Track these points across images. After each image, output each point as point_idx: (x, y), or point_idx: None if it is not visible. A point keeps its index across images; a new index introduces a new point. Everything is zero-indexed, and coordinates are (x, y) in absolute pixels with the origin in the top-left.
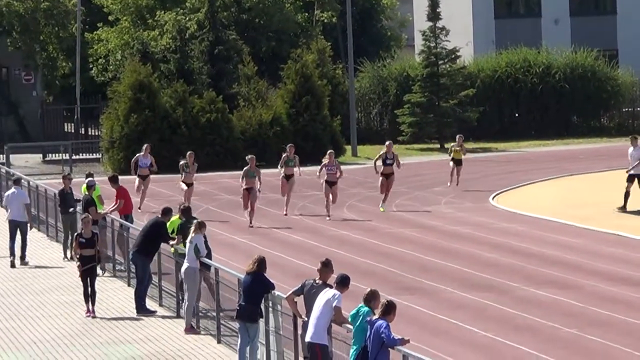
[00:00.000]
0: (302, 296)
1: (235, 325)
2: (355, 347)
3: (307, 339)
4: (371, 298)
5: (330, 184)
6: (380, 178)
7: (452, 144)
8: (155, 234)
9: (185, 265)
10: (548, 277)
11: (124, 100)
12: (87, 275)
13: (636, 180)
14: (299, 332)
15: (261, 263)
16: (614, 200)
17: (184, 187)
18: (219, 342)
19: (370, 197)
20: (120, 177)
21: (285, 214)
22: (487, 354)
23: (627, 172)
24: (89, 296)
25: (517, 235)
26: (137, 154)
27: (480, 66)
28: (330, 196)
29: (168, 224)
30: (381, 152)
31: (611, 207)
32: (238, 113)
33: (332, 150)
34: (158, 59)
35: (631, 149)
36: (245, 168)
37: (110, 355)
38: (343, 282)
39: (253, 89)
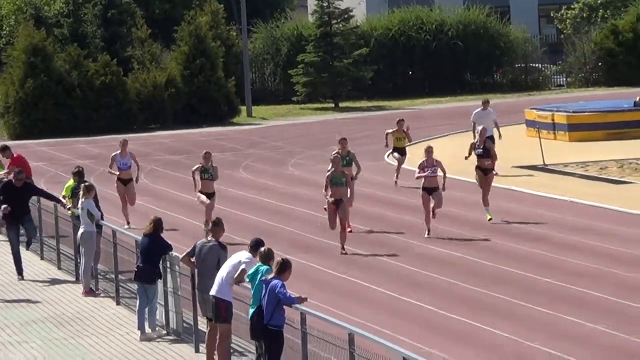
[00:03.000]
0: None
1: (134, 286)
2: (253, 307)
3: (212, 293)
4: (268, 257)
5: (430, 190)
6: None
7: (389, 130)
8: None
9: (81, 229)
10: (445, 234)
11: (18, 64)
12: None
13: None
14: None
15: (157, 224)
16: (506, 156)
17: (204, 199)
18: (117, 303)
19: (266, 158)
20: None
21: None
22: (385, 309)
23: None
24: None
25: (414, 193)
26: (114, 153)
27: (373, 25)
28: (431, 205)
29: (64, 188)
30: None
31: (504, 162)
32: (132, 76)
33: (430, 145)
34: (51, 24)
35: (478, 110)
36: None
37: (10, 318)
38: (256, 246)
39: (147, 52)
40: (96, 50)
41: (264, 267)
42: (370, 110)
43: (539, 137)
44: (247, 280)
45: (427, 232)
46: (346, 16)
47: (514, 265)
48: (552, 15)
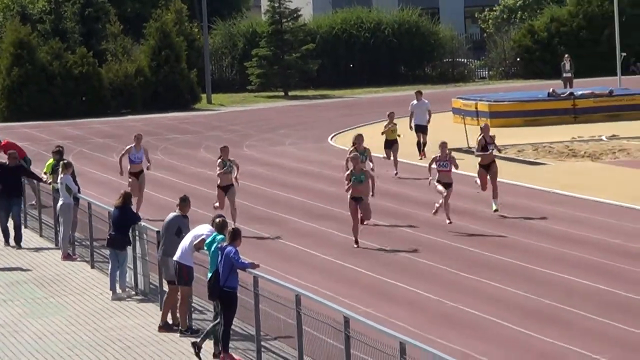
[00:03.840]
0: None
1: (107, 252)
2: (211, 271)
3: (175, 258)
4: (223, 227)
5: (446, 185)
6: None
7: (385, 124)
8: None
9: (60, 201)
10: (380, 208)
11: (6, 56)
12: None
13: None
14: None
15: (126, 198)
16: (436, 139)
17: (221, 193)
18: (92, 267)
19: (224, 139)
20: (4, 124)
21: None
22: (329, 275)
23: (410, 127)
24: None
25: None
26: (128, 146)
27: (319, 24)
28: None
29: (46, 165)
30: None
31: (434, 145)
32: (106, 66)
33: (445, 141)
34: (35, 20)
35: (414, 101)
36: None
37: None
38: (222, 227)
39: (119, 45)
40: (75, 43)
41: (220, 236)
42: (316, 99)
43: (464, 123)
44: (205, 247)
45: (447, 221)
46: (295, 15)
47: (437, 235)
48: (476, 16)
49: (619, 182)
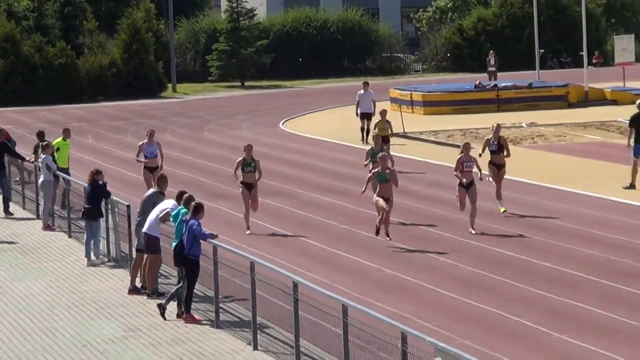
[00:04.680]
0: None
1: (82, 223)
2: (176, 241)
3: (144, 230)
4: (188, 202)
5: (467, 186)
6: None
7: (375, 120)
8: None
9: (41, 178)
10: (325, 186)
11: None
12: None
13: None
14: (132, 228)
15: (96, 175)
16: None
17: (245, 191)
18: (69, 236)
19: (187, 124)
20: None
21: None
22: (283, 245)
23: (356, 113)
24: None
25: (302, 153)
26: (141, 142)
27: (272, 22)
28: (468, 201)
29: (54, 143)
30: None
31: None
32: (83, 58)
33: (468, 142)
34: (20, 17)
35: (361, 91)
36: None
37: None
38: (180, 196)
39: (95, 40)
40: (55, 38)
41: (184, 210)
42: (269, 89)
43: (401, 111)
44: (171, 219)
45: (471, 229)
46: (251, 14)
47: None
48: (411, 16)
49: (537, 164)
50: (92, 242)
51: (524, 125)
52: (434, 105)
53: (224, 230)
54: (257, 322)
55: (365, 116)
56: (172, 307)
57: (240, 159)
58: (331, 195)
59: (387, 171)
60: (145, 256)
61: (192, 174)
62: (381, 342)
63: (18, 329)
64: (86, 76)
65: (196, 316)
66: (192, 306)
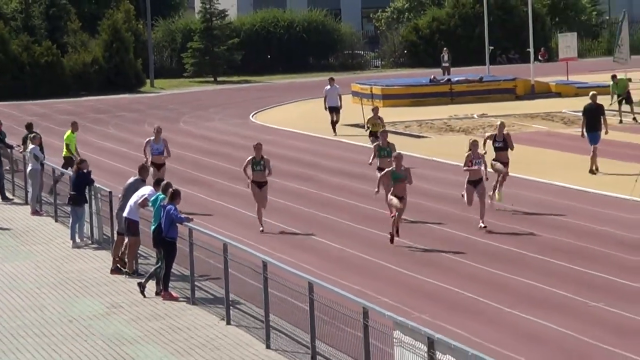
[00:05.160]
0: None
1: (68, 208)
2: (154, 224)
3: (125, 215)
4: (166, 188)
5: (475, 182)
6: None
7: (367, 117)
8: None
9: (29, 167)
10: (293, 172)
11: None
12: None
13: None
14: (114, 213)
15: (81, 163)
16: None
17: (256, 189)
18: (56, 221)
19: (164, 116)
20: None
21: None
22: (250, 228)
23: (325, 107)
24: None
25: (270, 143)
26: (148, 138)
27: (242, 22)
28: (476, 197)
29: (65, 137)
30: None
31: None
32: (67, 56)
33: (476, 140)
34: (9, 18)
35: (328, 87)
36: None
37: None
38: (157, 183)
39: (78, 39)
40: (41, 37)
41: (162, 196)
42: (240, 83)
43: (362, 104)
44: (150, 205)
45: (481, 223)
46: (223, 15)
47: (342, 196)
48: (371, 16)
49: (489, 152)
50: (77, 225)
51: (475, 116)
52: (392, 98)
53: (198, 216)
54: (230, 299)
55: (333, 110)
56: (151, 286)
57: (249, 157)
58: (298, 182)
59: (402, 169)
60: (125, 239)
61: (169, 162)
62: (344, 316)
63: (8, 305)
64: (70, 73)
65: (173, 293)
66: (169, 284)
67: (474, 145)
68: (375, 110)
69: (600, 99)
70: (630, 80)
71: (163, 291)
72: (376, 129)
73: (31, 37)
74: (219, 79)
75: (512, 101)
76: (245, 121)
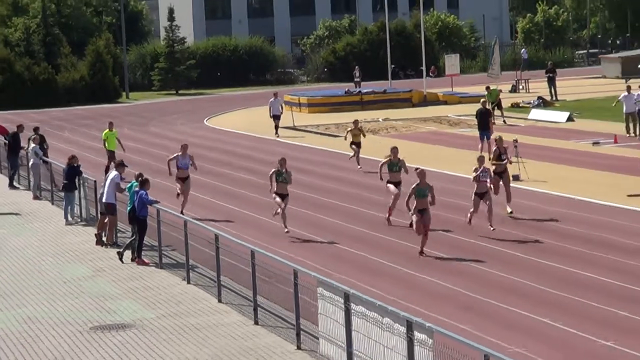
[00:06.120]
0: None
1: (62, 194)
2: (129, 206)
3: (104, 200)
4: (139, 177)
5: (481, 195)
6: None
7: (349, 128)
8: None
9: (31, 161)
10: (243, 165)
11: None
12: None
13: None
14: (97, 197)
15: (71, 159)
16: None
17: (279, 201)
18: (52, 204)
19: (137, 122)
20: None
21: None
22: (207, 208)
23: (270, 116)
24: None
25: (223, 142)
26: (175, 154)
27: (198, 47)
28: (482, 206)
29: (103, 134)
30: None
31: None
32: (60, 75)
33: (482, 155)
34: (14, 44)
35: (272, 99)
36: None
37: None
38: (121, 165)
39: (69, 61)
40: (39, 60)
41: (135, 183)
42: (196, 95)
43: (292, 111)
44: (127, 190)
45: (490, 225)
46: (182, 42)
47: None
48: (298, 42)
49: (388, 147)
50: (69, 208)
51: (380, 120)
52: (315, 106)
53: (165, 199)
54: (190, 264)
55: (276, 118)
56: (128, 254)
57: (273, 170)
58: (245, 172)
59: (426, 185)
60: (106, 217)
61: (142, 158)
62: (279, 276)
63: (15, 270)
64: (62, 87)
65: (145, 260)
66: (142, 253)
67: (480, 160)
68: (355, 122)
69: (479, 105)
70: (501, 90)
71: (137, 258)
72: (357, 140)
73: (31, 60)
74: (180, 91)
75: (409, 108)
76: (200, 125)
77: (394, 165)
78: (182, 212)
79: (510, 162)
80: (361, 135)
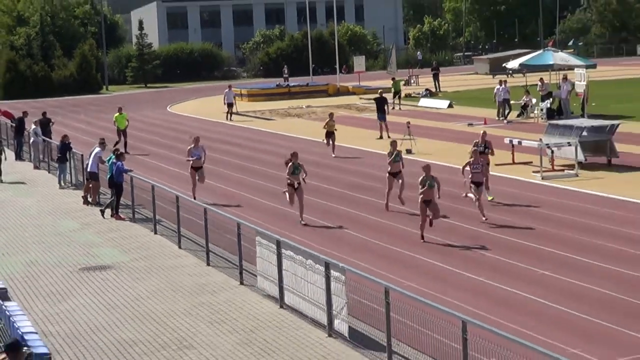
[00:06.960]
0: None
1: (56, 165)
2: (109, 174)
3: (88, 169)
4: (116, 153)
5: (478, 184)
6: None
7: (327, 119)
8: None
9: (31, 139)
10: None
11: (2, 67)
12: None
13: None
14: (84, 167)
15: (64, 138)
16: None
17: (292, 190)
18: (49, 172)
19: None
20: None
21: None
22: (173, 177)
23: (224, 103)
24: None
25: (181, 124)
26: (190, 146)
27: (162, 50)
28: (480, 195)
29: (114, 117)
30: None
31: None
32: (55, 72)
33: (476, 149)
34: (18, 48)
35: (227, 90)
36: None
37: None
38: (102, 143)
39: (61, 62)
40: (38, 60)
41: (113, 156)
42: (161, 88)
43: (235, 101)
44: (106, 162)
45: (482, 216)
46: (150, 46)
47: (229, 156)
48: (240, 46)
49: (308, 127)
50: (62, 175)
51: (304, 107)
52: (253, 96)
53: (141, 170)
54: (157, 219)
55: (230, 105)
56: (108, 212)
57: (290, 163)
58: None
59: (433, 178)
60: (90, 183)
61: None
62: (226, 228)
63: (19, 225)
64: (57, 82)
65: (122, 216)
66: (119, 210)
67: (474, 153)
68: (331, 115)
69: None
70: (403, 83)
71: (115, 214)
72: (331, 129)
73: (32, 60)
74: (148, 85)
75: (326, 97)
76: (164, 110)
77: (396, 155)
78: (194, 198)
79: (493, 154)
80: (334, 127)
